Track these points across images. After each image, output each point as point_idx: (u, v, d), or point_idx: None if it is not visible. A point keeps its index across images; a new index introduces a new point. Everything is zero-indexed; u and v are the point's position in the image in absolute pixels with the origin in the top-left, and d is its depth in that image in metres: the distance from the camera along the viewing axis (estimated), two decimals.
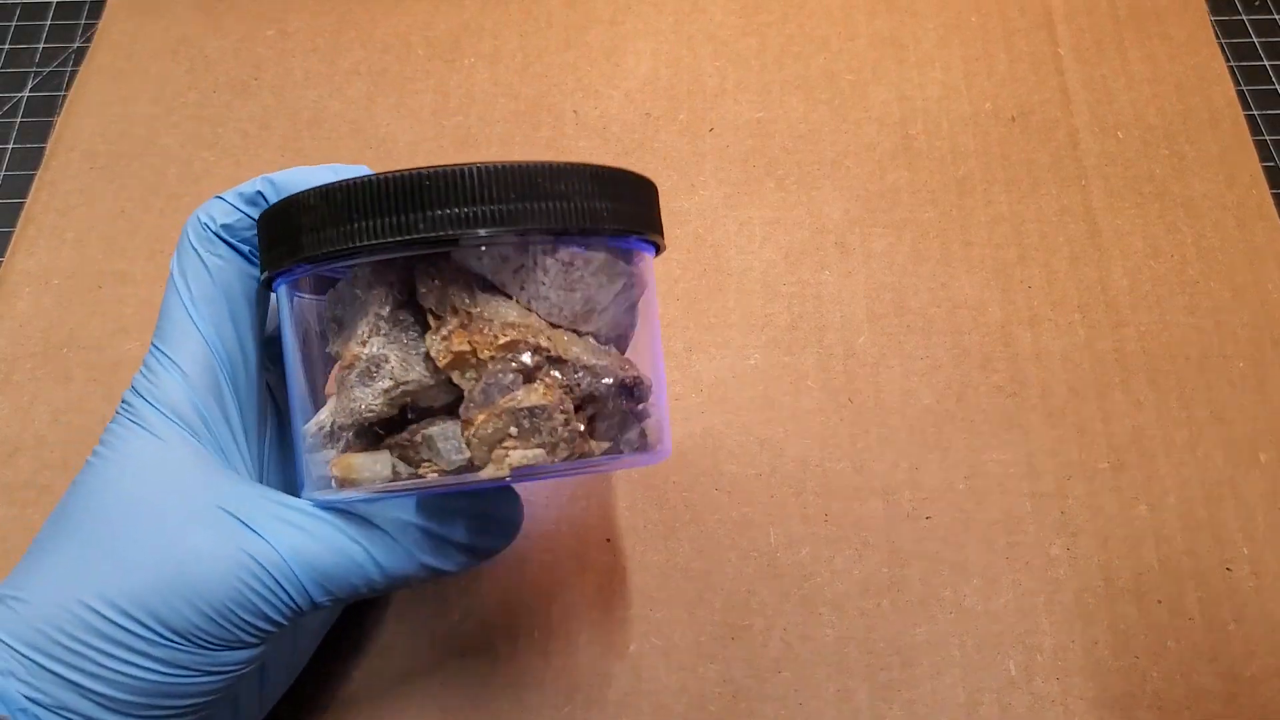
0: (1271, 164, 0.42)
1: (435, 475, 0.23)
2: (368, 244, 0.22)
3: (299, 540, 0.25)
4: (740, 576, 0.34)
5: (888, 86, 0.43)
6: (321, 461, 0.25)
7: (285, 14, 0.46)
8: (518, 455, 0.22)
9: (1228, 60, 0.44)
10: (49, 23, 0.48)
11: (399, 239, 0.22)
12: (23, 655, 0.23)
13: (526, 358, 0.23)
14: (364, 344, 0.24)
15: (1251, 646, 0.32)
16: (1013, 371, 0.37)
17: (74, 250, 0.40)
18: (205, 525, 0.24)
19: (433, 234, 0.22)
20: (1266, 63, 0.45)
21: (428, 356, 0.24)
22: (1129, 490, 0.35)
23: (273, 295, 0.27)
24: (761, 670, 0.32)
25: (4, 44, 0.47)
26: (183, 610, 0.24)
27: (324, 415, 0.25)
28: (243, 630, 0.24)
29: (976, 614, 0.33)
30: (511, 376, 0.23)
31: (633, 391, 0.25)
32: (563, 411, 0.23)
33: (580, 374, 0.23)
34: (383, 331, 0.24)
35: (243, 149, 0.43)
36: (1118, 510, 0.34)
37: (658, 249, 0.27)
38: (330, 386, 0.26)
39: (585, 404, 0.24)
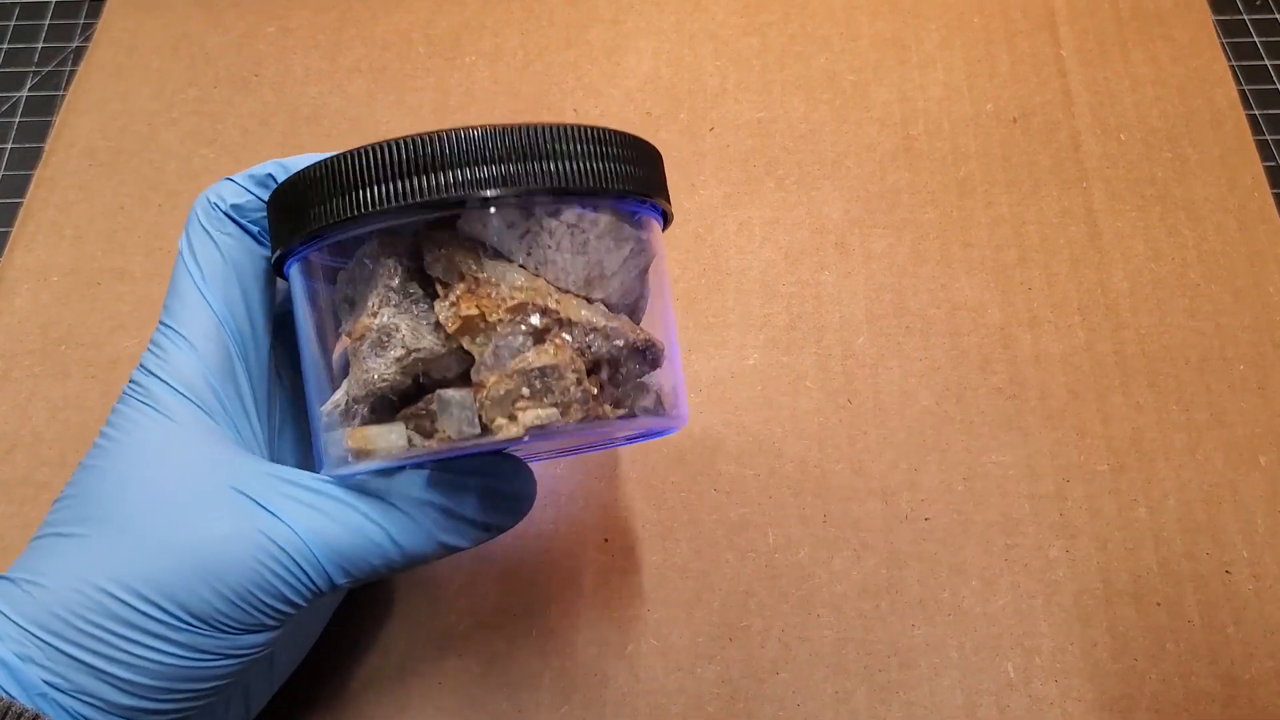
0: (1272, 163, 0.42)
1: (449, 440, 0.23)
2: (373, 211, 0.23)
3: (317, 521, 0.24)
4: (738, 577, 0.34)
5: (889, 87, 0.43)
6: (338, 440, 0.25)
7: (286, 10, 0.46)
8: (531, 415, 0.22)
9: (1229, 60, 0.44)
10: (48, 22, 0.48)
11: (401, 204, 0.22)
12: (41, 640, 0.23)
13: (535, 319, 0.23)
14: (374, 315, 0.24)
15: (1250, 649, 0.32)
16: (1012, 373, 0.37)
17: (73, 246, 0.40)
18: (222, 508, 0.24)
19: (435, 198, 0.22)
20: (1268, 62, 0.45)
21: (438, 325, 0.24)
22: (1128, 492, 0.35)
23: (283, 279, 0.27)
24: (759, 671, 0.32)
25: (3, 43, 0.47)
26: (204, 594, 0.24)
27: (339, 395, 0.25)
28: (263, 613, 0.24)
29: (975, 615, 0.33)
30: (521, 338, 0.23)
31: (645, 354, 0.25)
32: (574, 371, 0.23)
33: (590, 336, 0.23)
34: (393, 302, 0.24)
35: (243, 145, 0.43)
36: (1117, 512, 0.34)
37: (666, 218, 0.27)
38: (338, 363, 0.26)
39: (598, 367, 0.24)
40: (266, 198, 0.27)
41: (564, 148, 0.23)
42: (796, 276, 0.39)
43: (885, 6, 0.45)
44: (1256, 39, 0.46)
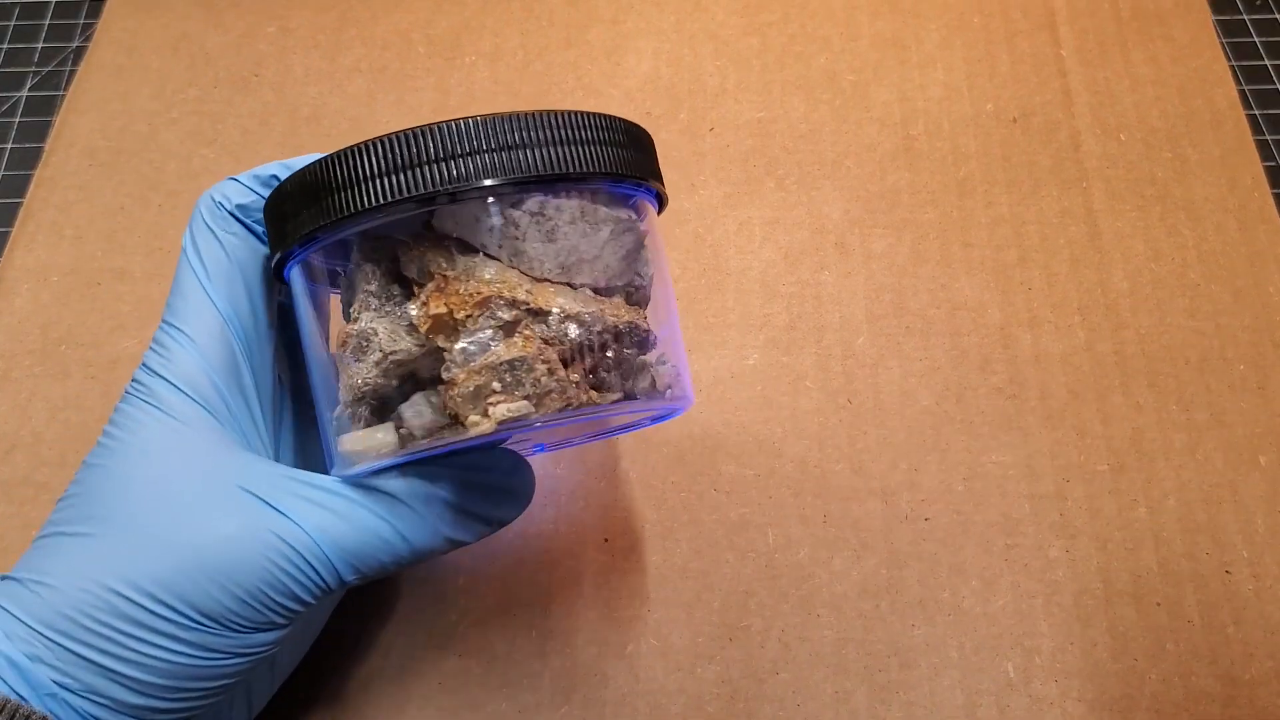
0: (1272, 163, 0.42)
1: (427, 438, 0.23)
2: (319, 226, 0.23)
3: (326, 519, 0.25)
4: (738, 577, 0.34)
5: (889, 87, 0.43)
6: (339, 441, 0.25)
7: (286, 10, 0.46)
8: (502, 409, 0.22)
9: (1229, 60, 0.44)
10: (48, 22, 0.48)
11: (337, 217, 0.23)
12: (50, 640, 0.23)
13: (503, 312, 0.23)
14: (355, 320, 0.24)
15: (1250, 649, 0.32)
16: (1012, 373, 0.37)
17: (73, 246, 0.40)
18: (230, 507, 0.24)
19: (359, 209, 0.22)
20: (1268, 62, 0.45)
21: (414, 325, 0.24)
22: (1128, 493, 0.35)
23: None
24: (759, 671, 0.32)
25: (3, 43, 0.47)
26: (215, 594, 0.24)
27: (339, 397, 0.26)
28: (273, 612, 0.24)
29: (975, 616, 0.33)
30: (490, 333, 0.23)
31: (631, 337, 0.25)
32: (544, 362, 0.23)
33: (566, 324, 0.23)
34: (372, 307, 0.24)
35: (242, 145, 0.43)
36: (1117, 513, 0.34)
37: (660, 198, 0.27)
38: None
39: (582, 354, 0.24)
40: None
41: (516, 137, 0.23)
42: (796, 276, 0.39)
43: (885, 6, 0.45)
44: (1256, 39, 0.46)
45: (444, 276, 0.23)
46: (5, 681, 0.23)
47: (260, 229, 0.28)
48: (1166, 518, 0.34)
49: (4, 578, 0.25)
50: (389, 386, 0.24)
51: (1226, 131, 0.42)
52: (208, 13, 0.46)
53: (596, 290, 0.24)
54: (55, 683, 0.23)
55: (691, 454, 0.36)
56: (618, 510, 0.35)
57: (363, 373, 0.24)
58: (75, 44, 0.47)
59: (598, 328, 0.24)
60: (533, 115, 0.23)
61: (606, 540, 0.34)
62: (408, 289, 0.24)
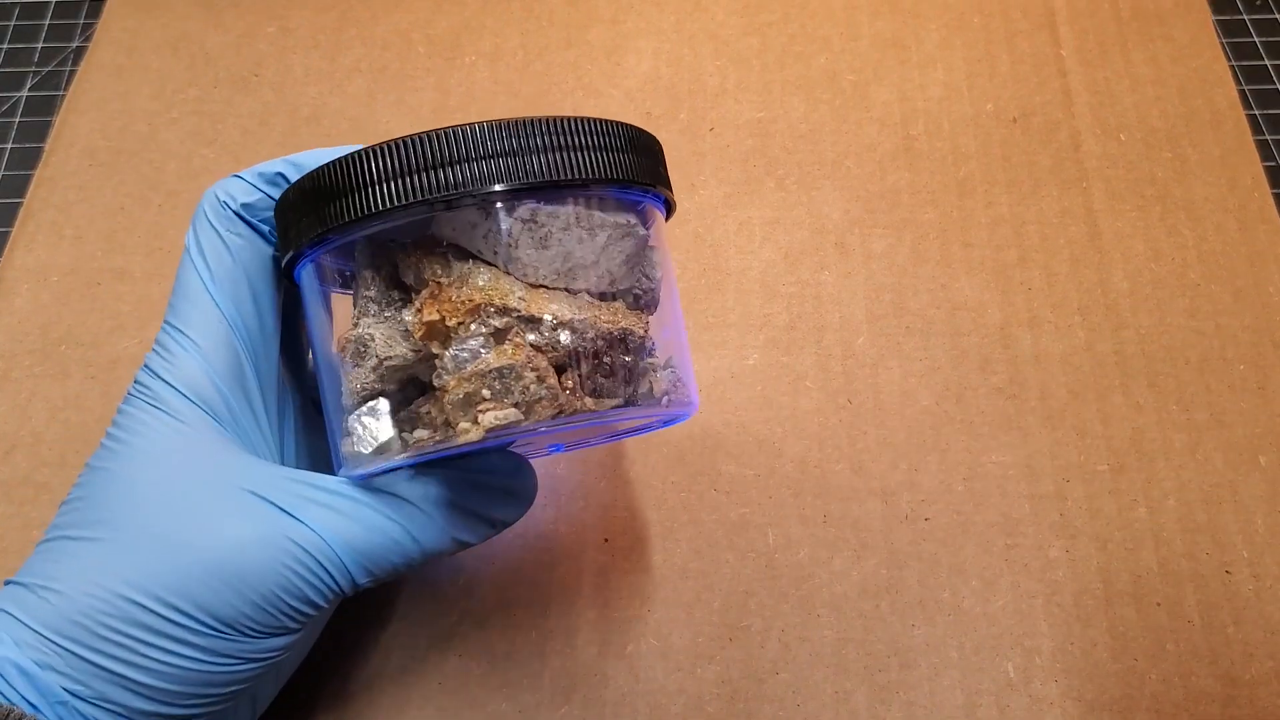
0: (1272, 163, 0.42)
1: (431, 443, 0.24)
2: (323, 230, 0.23)
3: (338, 522, 0.25)
4: (738, 577, 0.34)
5: (889, 87, 0.43)
6: (346, 443, 0.25)
7: (286, 10, 0.46)
8: (491, 417, 0.23)
9: (1229, 60, 0.44)
10: (48, 22, 0.48)
11: (338, 223, 0.23)
12: (61, 647, 0.23)
13: (494, 320, 0.23)
14: (355, 325, 0.24)
15: (1250, 649, 0.32)
16: (1012, 373, 0.37)
17: (73, 246, 0.40)
18: (243, 513, 0.24)
19: (351, 218, 0.23)
20: (1268, 62, 0.45)
21: (409, 332, 0.24)
22: (1128, 493, 0.35)
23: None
24: (759, 671, 0.32)
25: (3, 43, 0.47)
26: (231, 600, 0.24)
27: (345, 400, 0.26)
28: (287, 616, 0.24)
29: (975, 616, 0.33)
30: (480, 340, 0.23)
31: (626, 343, 0.24)
32: (533, 369, 0.23)
33: (558, 331, 0.23)
34: (371, 312, 0.24)
35: (242, 145, 0.43)
36: (1117, 513, 0.34)
37: (668, 203, 0.27)
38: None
39: (576, 360, 0.24)
40: (277, 196, 0.27)
41: (508, 145, 0.23)
42: (796, 276, 0.39)
43: (885, 6, 0.45)
44: (1256, 39, 0.46)
45: (438, 283, 0.23)
46: (15, 689, 0.22)
47: (265, 228, 0.27)
48: (1166, 518, 0.34)
49: (10, 582, 0.24)
50: (389, 390, 0.25)
51: (1226, 131, 0.42)
52: (208, 13, 0.46)
53: (599, 295, 0.24)
54: (66, 690, 0.23)
55: (691, 454, 0.36)
56: (618, 510, 0.35)
57: (361, 377, 0.24)
58: (75, 44, 0.47)
59: (590, 334, 0.24)
60: (528, 121, 0.23)
61: (606, 540, 0.34)
62: (407, 294, 0.24)
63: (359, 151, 0.23)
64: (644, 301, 0.26)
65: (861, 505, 0.35)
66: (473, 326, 0.23)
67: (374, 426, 0.24)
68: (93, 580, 0.23)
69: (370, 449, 0.24)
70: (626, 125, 0.25)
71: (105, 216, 0.41)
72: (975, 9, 0.45)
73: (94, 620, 0.23)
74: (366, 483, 0.26)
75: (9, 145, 0.44)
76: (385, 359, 0.24)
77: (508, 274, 0.23)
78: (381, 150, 0.22)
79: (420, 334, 0.23)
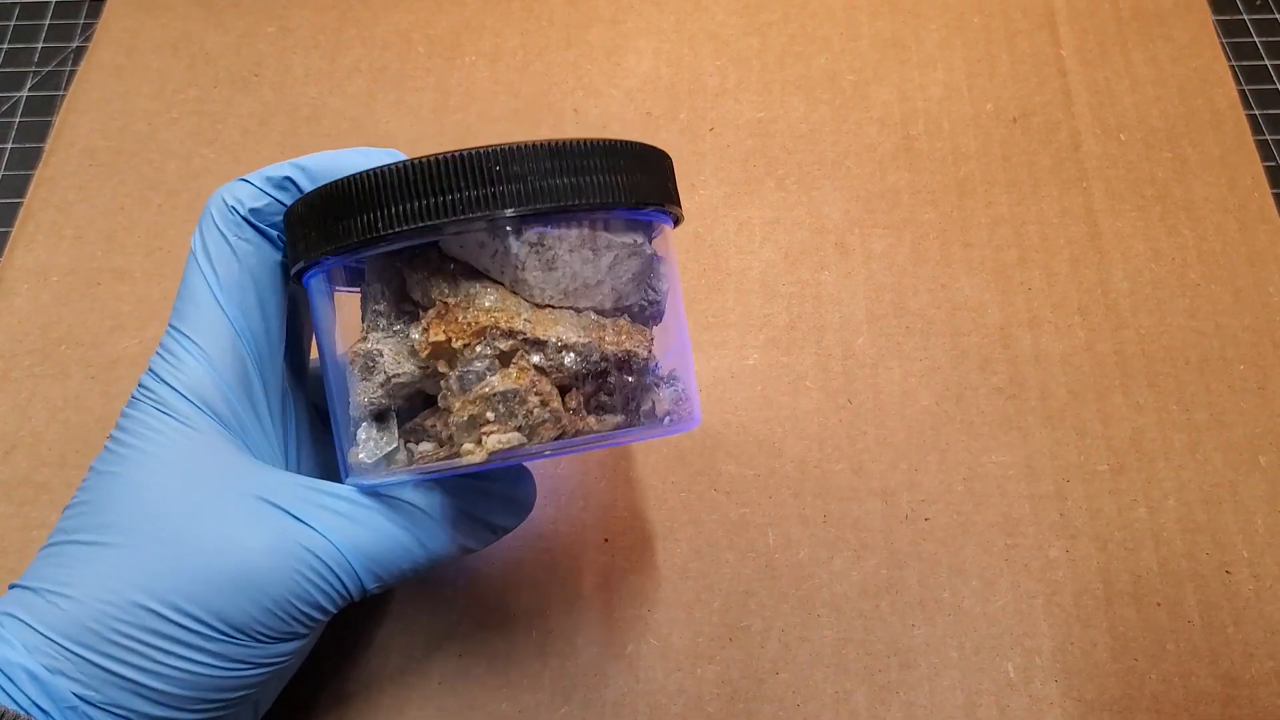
0: (1272, 163, 0.42)
1: (437, 459, 0.24)
2: (323, 252, 0.23)
3: (348, 528, 0.25)
4: (738, 577, 0.34)
5: (889, 87, 0.43)
6: (352, 453, 0.26)
7: (286, 10, 0.46)
8: (494, 439, 0.23)
9: (1229, 60, 0.44)
10: (48, 22, 0.48)
11: (341, 245, 0.23)
12: (71, 653, 0.23)
13: (500, 342, 0.23)
14: (363, 340, 0.24)
15: (1250, 649, 0.32)
16: (1012, 373, 0.37)
17: (73, 246, 0.40)
18: (253, 518, 0.24)
19: (359, 238, 0.23)
20: (1268, 62, 0.45)
21: (415, 350, 0.24)
22: (1128, 493, 0.35)
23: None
24: (759, 671, 0.32)
25: (3, 43, 0.47)
26: (244, 606, 0.24)
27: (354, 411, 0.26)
28: (297, 621, 0.25)
29: (975, 616, 0.33)
30: (486, 362, 0.23)
31: (629, 365, 0.25)
32: (537, 394, 0.23)
33: (564, 353, 0.23)
34: (380, 327, 0.24)
35: (242, 145, 0.43)
36: (1117, 513, 0.34)
37: (675, 219, 0.27)
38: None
39: (581, 380, 0.24)
40: (285, 201, 0.27)
41: (515, 169, 0.22)
42: (796, 276, 0.39)
43: (885, 6, 0.45)
44: (1256, 39, 0.46)
45: (445, 303, 0.23)
46: (25, 693, 0.22)
47: (273, 234, 0.27)
48: (1166, 518, 0.34)
49: (16, 586, 0.24)
50: (398, 404, 0.25)
51: (1226, 131, 0.42)
52: (208, 13, 0.46)
53: (603, 311, 0.24)
54: (76, 695, 0.23)
55: (691, 454, 0.36)
56: (618, 510, 0.35)
57: (369, 391, 0.24)
58: (75, 44, 0.47)
59: (594, 357, 0.24)
60: (529, 146, 0.23)
61: (606, 540, 0.34)
62: (415, 307, 0.24)
63: (371, 171, 0.23)
64: (649, 313, 0.26)
65: (861, 505, 0.35)
66: (479, 349, 0.23)
67: (381, 439, 0.25)
68: (104, 585, 0.23)
69: (377, 460, 0.24)
70: (636, 144, 0.25)
71: (105, 216, 0.41)
72: (975, 9, 0.45)
73: (106, 626, 0.23)
74: (374, 488, 0.26)
75: (9, 145, 0.44)
76: (393, 376, 0.24)
77: (514, 294, 0.24)
78: (394, 171, 0.22)
79: (426, 353, 0.24)
